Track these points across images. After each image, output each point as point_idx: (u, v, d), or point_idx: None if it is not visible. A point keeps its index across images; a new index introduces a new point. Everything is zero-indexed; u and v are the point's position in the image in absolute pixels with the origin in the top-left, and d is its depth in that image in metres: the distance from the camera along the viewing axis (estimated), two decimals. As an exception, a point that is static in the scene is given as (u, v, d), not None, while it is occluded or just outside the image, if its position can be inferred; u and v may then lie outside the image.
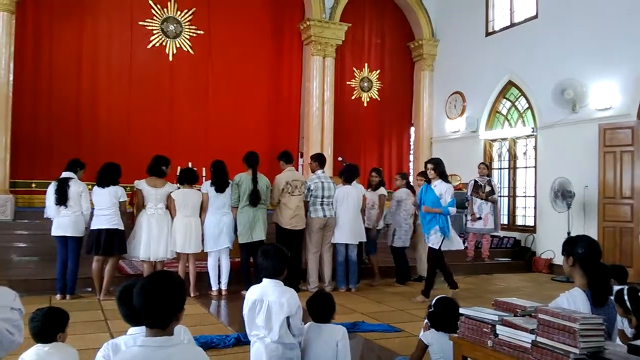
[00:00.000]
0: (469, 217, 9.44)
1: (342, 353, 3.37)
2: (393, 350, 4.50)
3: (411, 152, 13.18)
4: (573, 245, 2.92)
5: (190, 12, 10.79)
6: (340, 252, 7.21)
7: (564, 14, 9.55)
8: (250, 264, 6.76)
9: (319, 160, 7.49)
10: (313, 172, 7.45)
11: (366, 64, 12.54)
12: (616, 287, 3.24)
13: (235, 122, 10.93)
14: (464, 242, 9.82)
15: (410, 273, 8.02)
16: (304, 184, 7.20)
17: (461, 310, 2.91)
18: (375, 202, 7.77)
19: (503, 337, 2.59)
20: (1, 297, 1.47)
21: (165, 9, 10.61)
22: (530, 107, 10.34)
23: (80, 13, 9.96)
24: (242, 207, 6.71)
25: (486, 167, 9.73)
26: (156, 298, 1.98)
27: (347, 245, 7.22)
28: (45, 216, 6.42)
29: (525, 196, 10.66)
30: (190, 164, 8.36)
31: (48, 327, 2.79)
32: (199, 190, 6.83)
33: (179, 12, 10.72)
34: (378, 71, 12.65)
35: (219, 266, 6.76)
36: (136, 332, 2.48)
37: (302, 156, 11.38)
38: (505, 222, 10.84)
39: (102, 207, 6.21)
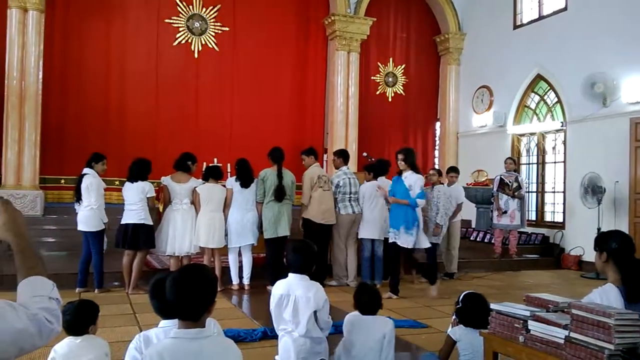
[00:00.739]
0: (495, 213, 9.31)
1: (389, 346, 3.38)
2: (420, 347, 4.48)
3: (436, 147, 13.08)
4: (606, 240, 2.88)
5: (215, 9, 10.84)
6: (366, 248, 7.16)
7: (594, 5, 9.35)
8: (279, 258, 6.76)
9: (343, 156, 7.47)
10: (337, 168, 7.43)
11: (391, 59, 12.47)
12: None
13: (259, 118, 10.97)
14: (490, 239, 9.75)
15: (437, 270, 7.91)
16: (330, 180, 7.20)
17: (492, 306, 2.88)
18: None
19: (535, 333, 2.56)
20: (40, 287, 1.50)
21: (190, 7, 10.69)
22: (559, 101, 10.17)
23: (107, 11, 10.09)
24: (268, 202, 6.73)
25: (513, 162, 9.59)
26: (189, 291, 2.00)
27: (373, 240, 7.19)
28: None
29: (554, 192, 10.48)
30: (215, 160, 8.42)
31: (80, 319, 2.83)
32: (224, 186, 6.88)
33: (204, 9, 10.78)
34: (403, 66, 12.56)
35: (240, 261, 6.80)
36: (167, 325, 2.50)
37: (326, 152, 11.35)
38: (534, 218, 10.67)
39: (131, 202, 6.31)
